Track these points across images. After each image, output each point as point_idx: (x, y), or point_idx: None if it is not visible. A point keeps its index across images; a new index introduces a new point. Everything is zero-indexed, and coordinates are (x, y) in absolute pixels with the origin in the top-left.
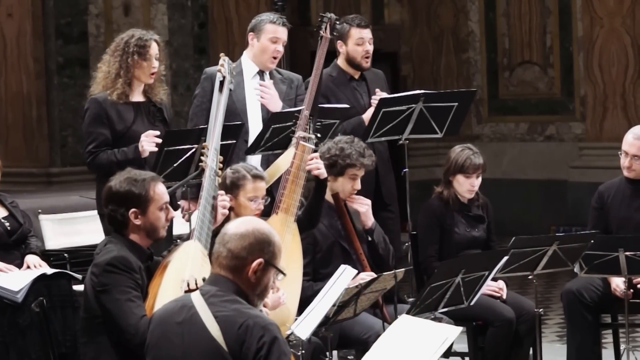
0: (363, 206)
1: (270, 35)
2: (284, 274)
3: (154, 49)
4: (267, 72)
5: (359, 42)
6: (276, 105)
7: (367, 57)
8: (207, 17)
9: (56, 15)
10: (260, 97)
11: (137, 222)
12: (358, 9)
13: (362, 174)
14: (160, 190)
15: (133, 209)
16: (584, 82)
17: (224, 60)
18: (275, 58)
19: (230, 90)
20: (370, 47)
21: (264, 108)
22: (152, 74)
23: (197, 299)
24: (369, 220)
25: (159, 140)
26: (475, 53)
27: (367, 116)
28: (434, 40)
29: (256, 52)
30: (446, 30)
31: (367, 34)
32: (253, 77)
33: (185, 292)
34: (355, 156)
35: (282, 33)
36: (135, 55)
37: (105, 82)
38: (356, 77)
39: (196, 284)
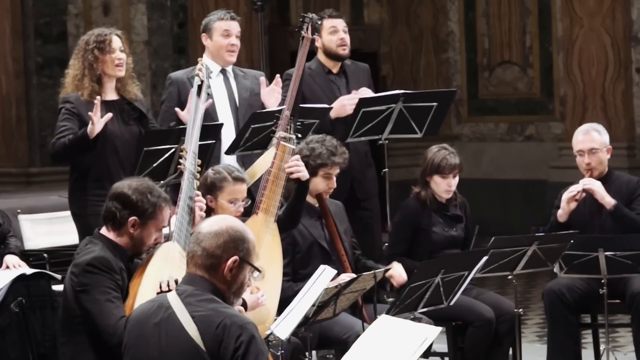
0: None
1: (222, 30)
2: (259, 271)
3: (115, 42)
4: (230, 69)
5: (332, 30)
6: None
7: (342, 46)
8: (186, 17)
9: (35, 15)
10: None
11: (132, 231)
12: (337, 9)
13: (336, 172)
14: (165, 215)
15: (134, 218)
16: (564, 82)
17: (202, 64)
18: (231, 51)
19: (208, 94)
20: (345, 36)
21: (233, 106)
22: (119, 65)
23: (173, 299)
24: None
25: (102, 119)
26: (454, 53)
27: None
28: (414, 40)
29: (213, 51)
30: (426, 30)
31: (339, 23)
32: (217, 76)
33: (158, 293)
34: (326, 155)
35: (232, 26)
36: (95, 50)
37: (73, 86)
38: (335, 70)
39: (168, 286)
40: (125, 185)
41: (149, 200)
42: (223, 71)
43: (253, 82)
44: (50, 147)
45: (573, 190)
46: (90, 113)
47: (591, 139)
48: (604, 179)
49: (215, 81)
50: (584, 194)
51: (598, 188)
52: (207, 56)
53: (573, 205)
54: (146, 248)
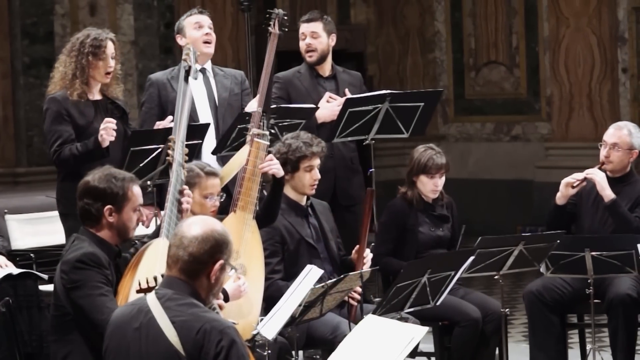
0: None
1: (192, 25)
2: (235, 269)
3: (109, 49)
4: (209, 69)
5: (301, 37)
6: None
7: (307, 52)
8: (173, 17)
9: (22, 15)
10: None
11: (111, 219)
12: (324, 9)
13: (317, 163)
14: (137, 192)
15: (109, 206)
16: (550, 82)
17: (188, 49)
18: (207, 42)
19: (195, 79)
20: (312, 41)
21: (212, 106)
22: (108, 73)
23: (153, 303)
24: None
25: (115, 127)
26: (441, 53)
27: (318, 113)
28: (400, 40)
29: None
30: (412, 30)
31: (306, 27)
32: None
33: (138, 291)
34: (303, 148)
35: (202, 18)
36: (90, 55)
37: (62, 83)
38: (325, 74)
39: (147, 283)
40: (88, 179)
41: (115, 185)
42: (202, 70)
43: (233, 81)
44: (52, 155)
45: (575, 177)
46: (102, 127)
47: (619, 135)
48: (621, 179)
49: (195, 81)
50: (583, 183)
51: (600, 179)
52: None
53: (571, 191)
54: (132, 232)
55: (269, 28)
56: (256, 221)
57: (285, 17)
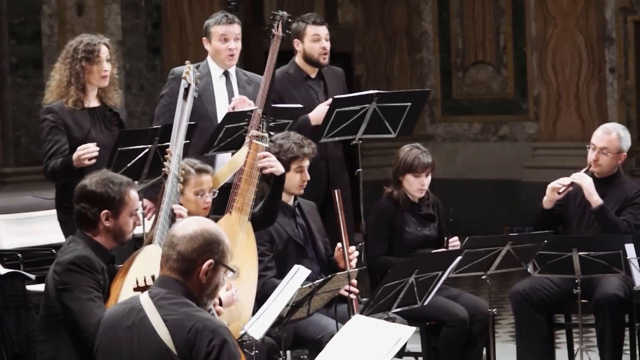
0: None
1: (219, 35)
2: (233, 272)
3: (103, 53)
4: (233, 73)
5: (315, 38)
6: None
7: (324, 54)
8: (160, 17)
9: (9, 15)
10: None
11: (107, 224)
12: (311, 9)
13: (307, 164)
14: (134, 196)
15: (105, 211)
16: (538, 82)
17: (189, 67)
18: (231, 55)
19: (195, 97)
20: (327, 44)
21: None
22: (104, 76)
23: (146, 301)
24: None
25: (95, 154)
26: (428, 53)
27: (313, 115)
28: (388, 40)
29: (213, 55)
30: (400, 30)
31: (323, 30)
32: (220, 78)
33: (135, 289)
34: (295, 148)
35: (230, 29)
36: (83, 61)
37: (59, 91)
38: (313, 75)
39: (145, 282)
40: (85, 183)
41: (112, 189)
42: (226, 73)
43: (255, 88)
44: (44, 168)
45: (561, 182)
46: (80, 150)
47: (609, 139)
48: (608, 180)
49: (218, 84)
50: (570, 188)
51: (587, 185)
52: (210, 58)
53: (558, 195)
54: (128, 236)
55: (272, 30)
56: (253, 223)
57: (290, 20)
